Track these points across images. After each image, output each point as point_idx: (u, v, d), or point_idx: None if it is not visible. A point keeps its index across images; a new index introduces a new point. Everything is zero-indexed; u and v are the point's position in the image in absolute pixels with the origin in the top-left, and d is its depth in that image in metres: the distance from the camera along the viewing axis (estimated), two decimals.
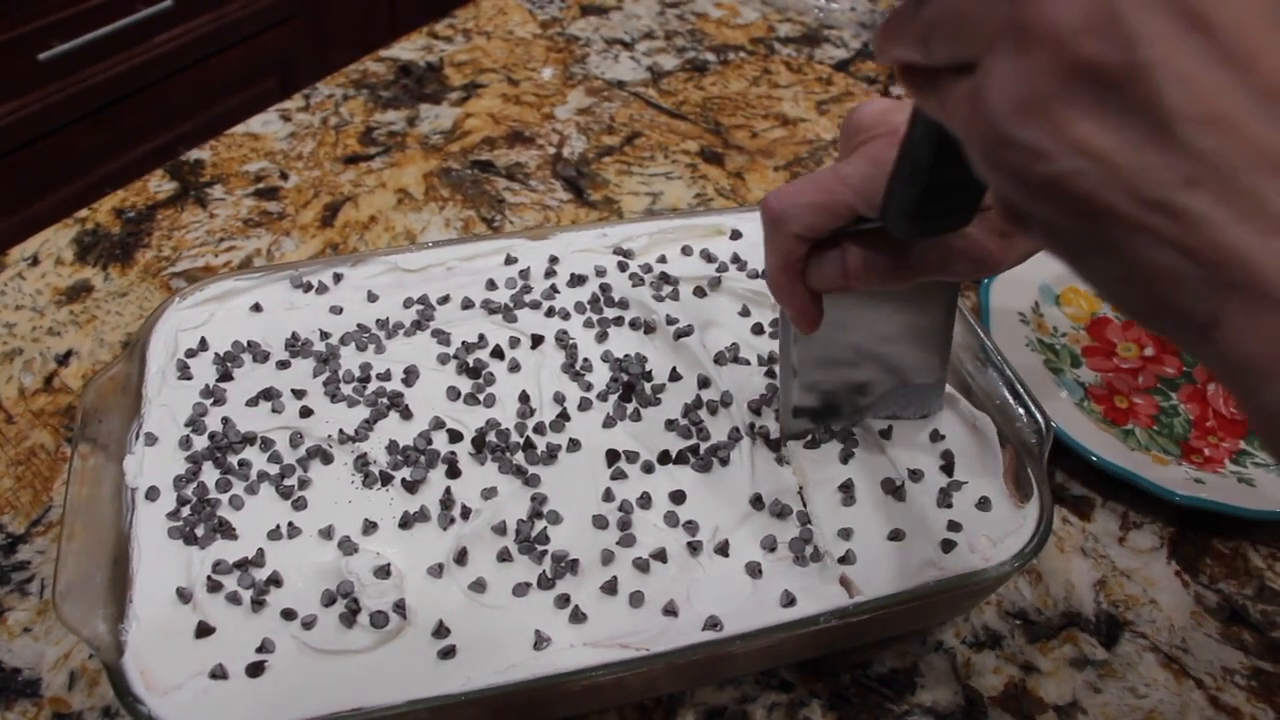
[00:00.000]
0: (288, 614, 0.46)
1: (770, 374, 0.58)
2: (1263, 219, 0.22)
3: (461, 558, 0.48)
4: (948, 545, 0.50)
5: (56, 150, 1.39)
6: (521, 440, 0.53)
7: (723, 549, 0.49)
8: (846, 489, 0.52)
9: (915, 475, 0.53)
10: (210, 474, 0.51)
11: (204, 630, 0.45)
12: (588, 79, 0.95)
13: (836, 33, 1.03)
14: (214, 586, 0.47)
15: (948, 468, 0.53)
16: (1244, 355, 0.23)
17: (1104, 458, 0.59)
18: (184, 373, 0.56)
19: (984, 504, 0.51)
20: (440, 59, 0.97)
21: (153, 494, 0.50)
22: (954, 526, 0.51)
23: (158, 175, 0.82)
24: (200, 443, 0.53)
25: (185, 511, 0.49)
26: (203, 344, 0.58)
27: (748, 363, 0.59)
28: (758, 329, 0.61)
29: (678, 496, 0.51)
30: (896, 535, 0.50)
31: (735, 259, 0.65)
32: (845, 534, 0.50)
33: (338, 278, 0.62)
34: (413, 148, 0.86)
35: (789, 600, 0.47)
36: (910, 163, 0.36)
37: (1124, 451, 0.61)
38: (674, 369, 0.58)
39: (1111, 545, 0.59)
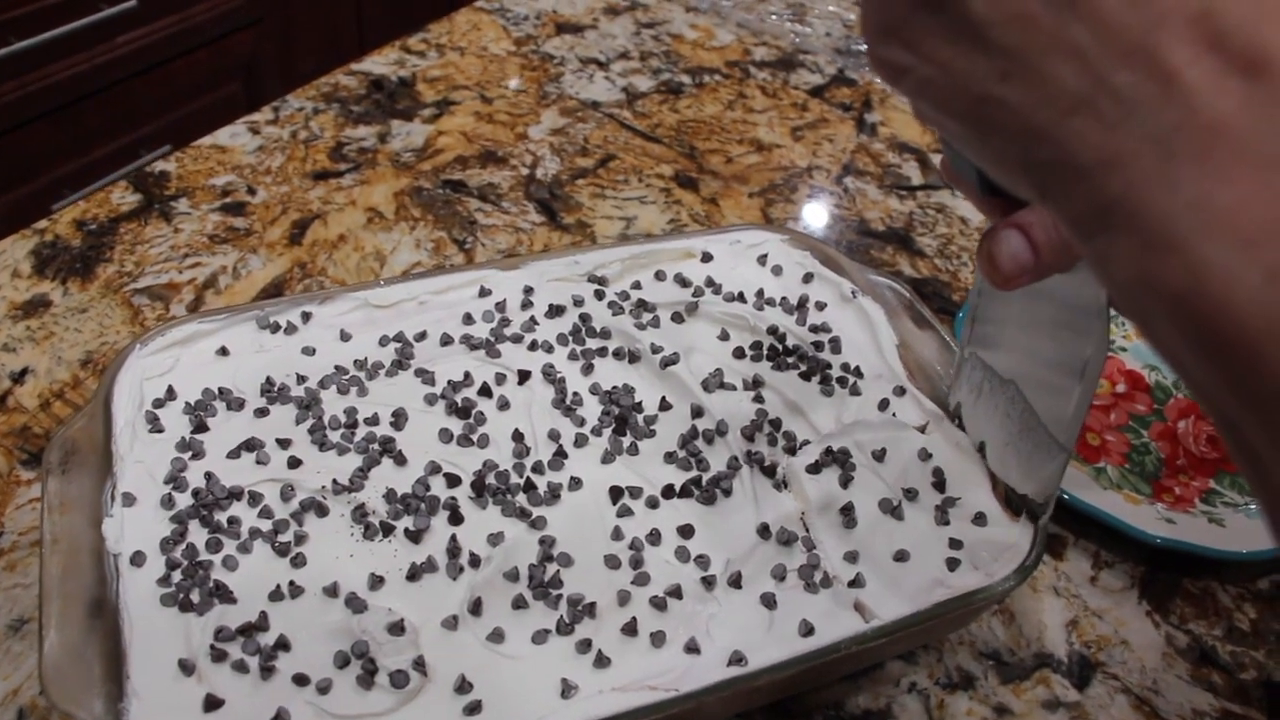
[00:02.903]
0: (300, 679, 0.44)
1: (758, 399, 0.58)
2: (1061, 99, 0.27)
3: (476, 608, 0.47)
4: (952, 564, 0.51)
5: (14, 150, 1.33)
6: (522, 481, 0.52)
7: (736, 581, 0.49)
8: (847, 511, 0.53)
9: (910, 494, 0.54)
10: (198, 534, 0.49)
11: (213, 704, 0.43)
12: (562, 98, 0.93)
13: (812, 58, 1.03)
14: (218, 656, 0.44)
15: (940, 484, 0.55)
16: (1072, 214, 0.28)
17: (1077, 496, 0.59)
18: (155, 425, 0.53)
19: (980, 519, 0.53)
20: (413, 74, 0.94)
21: (138, 559, 0.47)
22: (955, 544, 0.52)
23: (120, 186, 0.78)
24: (183, 501, 0.50)
25: (176, 576, 0.47)
26: (170, 393, 0.55)
27: (734, 388, 0.59)
28: (739, 353, 0.61)
29: (686, 531, 0.51)
30: (902, 556, 0.51)
31: (710, 282, 0.65)
32: (851, 557, 0.51)
33: (306, 317, 0.60)
34: (383, 165, 0.83)
35: (807, 630, 0.47)
36: None
37: (1096, 490, 0.61)
38: (663, 398, 0.58)
39: (1083, 585, 0.59)
